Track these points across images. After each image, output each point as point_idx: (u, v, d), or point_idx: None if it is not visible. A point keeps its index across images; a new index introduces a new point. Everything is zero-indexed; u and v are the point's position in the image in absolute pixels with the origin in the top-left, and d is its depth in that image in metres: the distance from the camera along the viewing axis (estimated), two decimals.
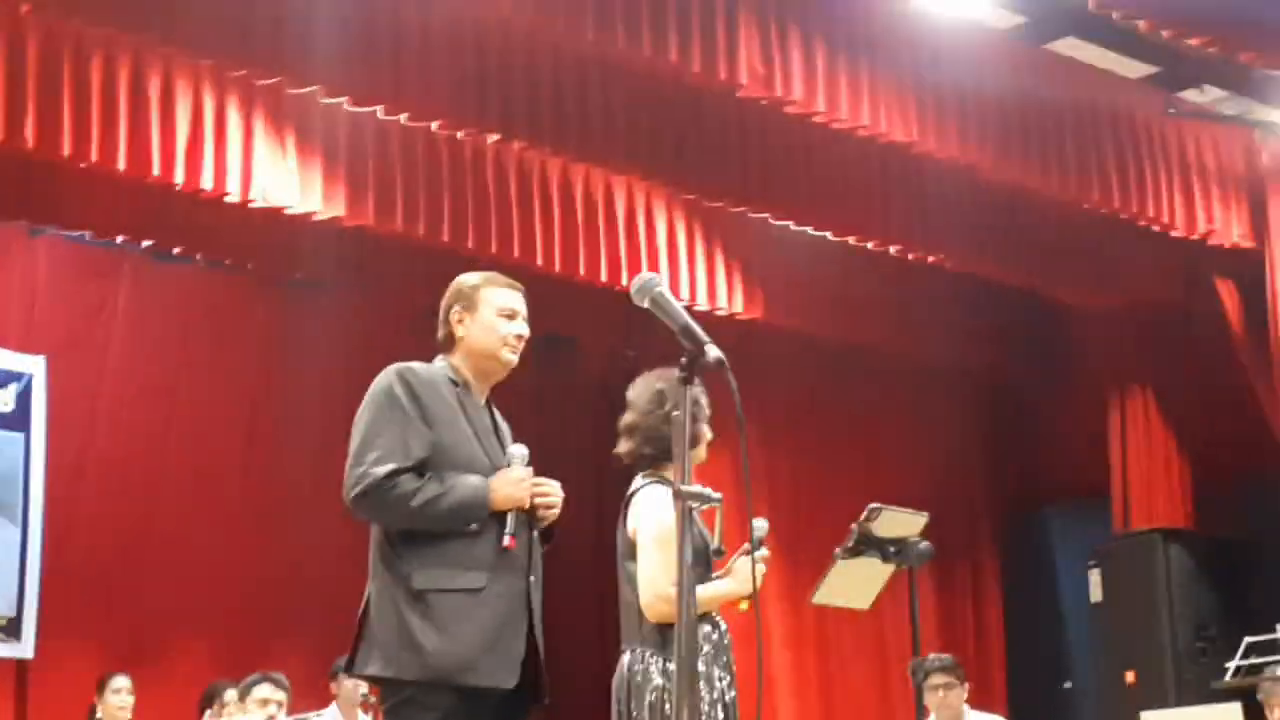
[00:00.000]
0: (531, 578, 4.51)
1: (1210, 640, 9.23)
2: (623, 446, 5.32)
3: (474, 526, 4.42)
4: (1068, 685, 10.63)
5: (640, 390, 5.31)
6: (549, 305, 6.88)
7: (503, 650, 4.40)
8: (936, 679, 8.35)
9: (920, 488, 9.62)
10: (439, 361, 4.66)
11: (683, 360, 3.53)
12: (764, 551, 5.14)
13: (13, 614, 8.98)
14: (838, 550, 5.20)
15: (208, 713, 8.65)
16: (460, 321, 4.65)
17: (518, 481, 4.50)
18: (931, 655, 8.51)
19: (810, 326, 9.93)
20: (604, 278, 8.66)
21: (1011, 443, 11.16)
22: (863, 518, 5.15)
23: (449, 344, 4.68)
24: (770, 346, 9.89)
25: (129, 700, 8.72)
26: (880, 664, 10.00)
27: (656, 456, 5.27)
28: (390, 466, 4.37)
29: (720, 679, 5.11)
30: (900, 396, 10.78)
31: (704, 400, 5.17)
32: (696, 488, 3.70)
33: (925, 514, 5.27)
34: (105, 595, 9.37)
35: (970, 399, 11.13)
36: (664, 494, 5.20)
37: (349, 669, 4.51)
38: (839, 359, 10.45)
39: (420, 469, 4.42)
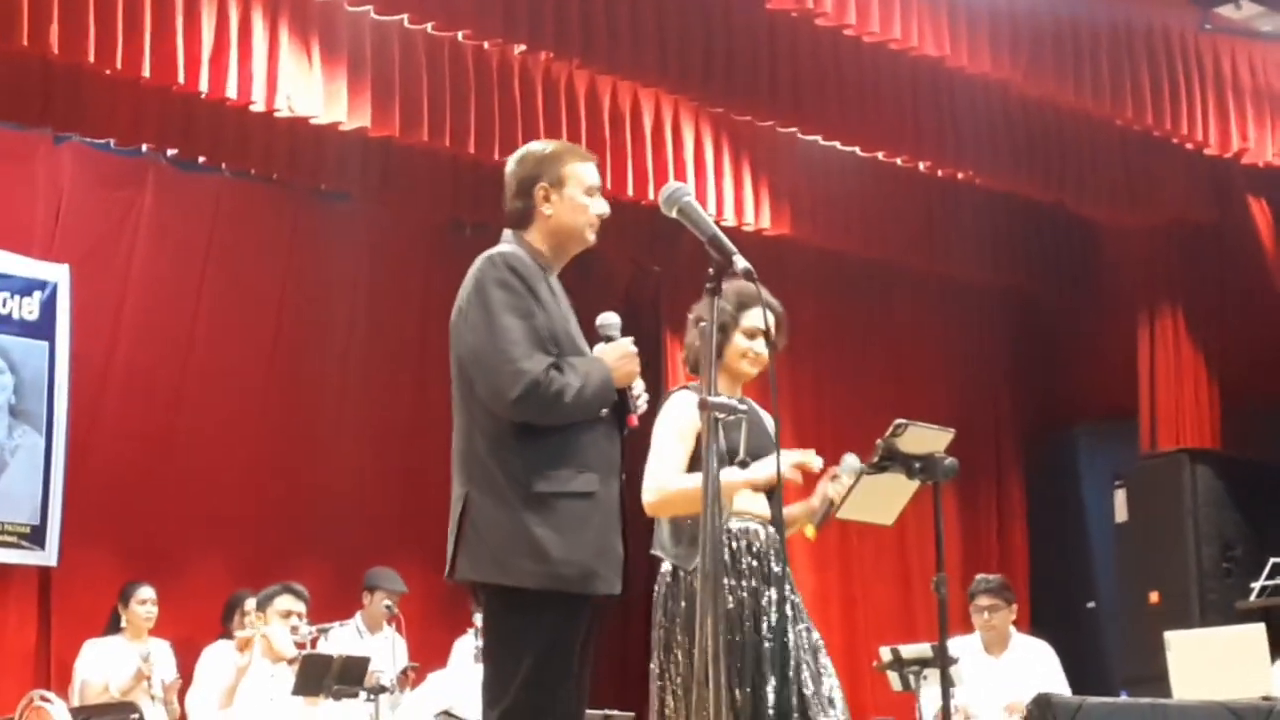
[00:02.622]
0: (623, 475, 4.38)
1: (1235, 561, 9.22)
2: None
3: (605, 411, 4.30)
4: (1091, 605, 10.63)
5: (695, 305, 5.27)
6: None
7: (612, 556, 4.29)
8: (982, 600, 8.35)
9: (947, 406, 9.59)
10: (511, 242, 4.45)
11: (710, 271, 3.47)
12: (849, 469, 5.11)
13: (37, 522, 9.02)
14: (862, 465, 5.15)
15: (230, 623, 8.70)
16: (546, 199, 4.42)
17: (631, 355, 4.37)
18: (979, 576, 8.52)
19: (838, 243, 9.88)
20: (630, 192, 8.58)
21: (1039, 362, 11.12)
22: (888, 433, 5.09)
23: (525, 220, 4.46)
24: (798, 263, 9.84)
25: (154, 611, 8.78)
26: (904, 583, 10.01)
27: (693, 365, 5.27)
28: (543, 363, 4.21)
29: (748, 583, 5.06)
30: (928, 314, 10.75)
31: (754, 319, 5.11)
32: (722, 398, 3.66)
33: (951, 430, 5.21)
34: (128, 504, 9.39)
35: (999, 317, 11.08)
36: (682, 396, 5.18)
37: (450, 574, 4.33)
38: (867, 276, 10.41)
39: (557, 362, 4.26)
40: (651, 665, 5.09)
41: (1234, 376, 9.87)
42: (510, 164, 4.52)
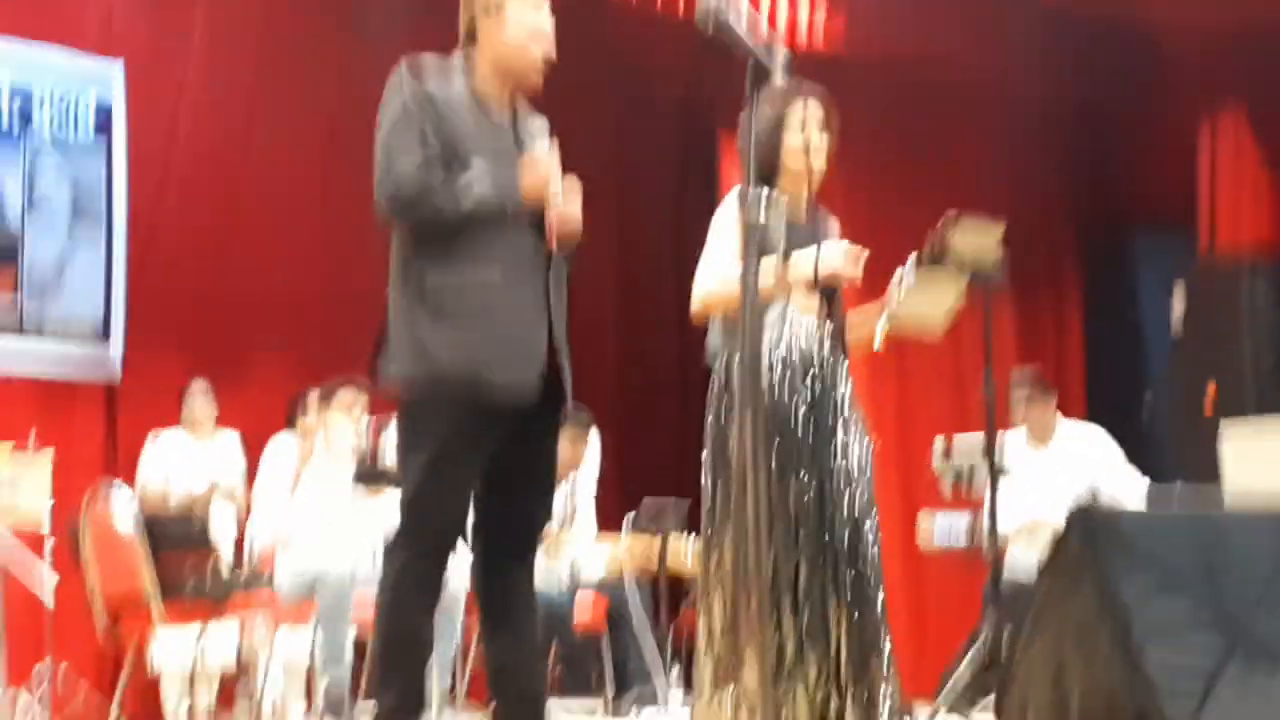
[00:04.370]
0: (551, 277, 4.39)
1: None
2: None
3: (508, 216, 4.30)
4: (1148, 396, 10.60)
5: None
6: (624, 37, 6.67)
7: (520, 347, 4.30)
8: (1019, 392, 8.39)
9: (1003, 212, 9.45)
10: (455, 53, 4.48)
11: (751, 63, 3.45)
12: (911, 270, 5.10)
13: (98, 323, 9.11)
14: (914, 259, 5.14)
15: (294, 418, 8.81)
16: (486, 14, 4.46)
17: (538, 163, 4.38)
18: (1016, 369, 8.54)
19: (891, 53, 9.73)
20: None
21: (1097, 166, 10.99)
22: (939, 227, 5.09)
23: (469, 38, 4.50)
24: (852, 77, 9.69)
25: (205, 405, 8.89)
26: (957, 381, 10.01)
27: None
28: (416, 165, 4.26)
29: (798, 386, 5.08)
30: (983, 122, 10.60)
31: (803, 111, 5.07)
32: (761, 190, 3.64)
33: (1002, 221, 5.21)
34: (192, 304, 9.46)
35: (1055, 123, 10.92)
36: (731, 194, 5.16)
37: (373, 378, 4.51)
38: (922, 90, 10.25)
39: (445, 165, 4.30)
40: (704, 455, 5.15)
41: None
42: None
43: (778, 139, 5.02)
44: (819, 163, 5.12)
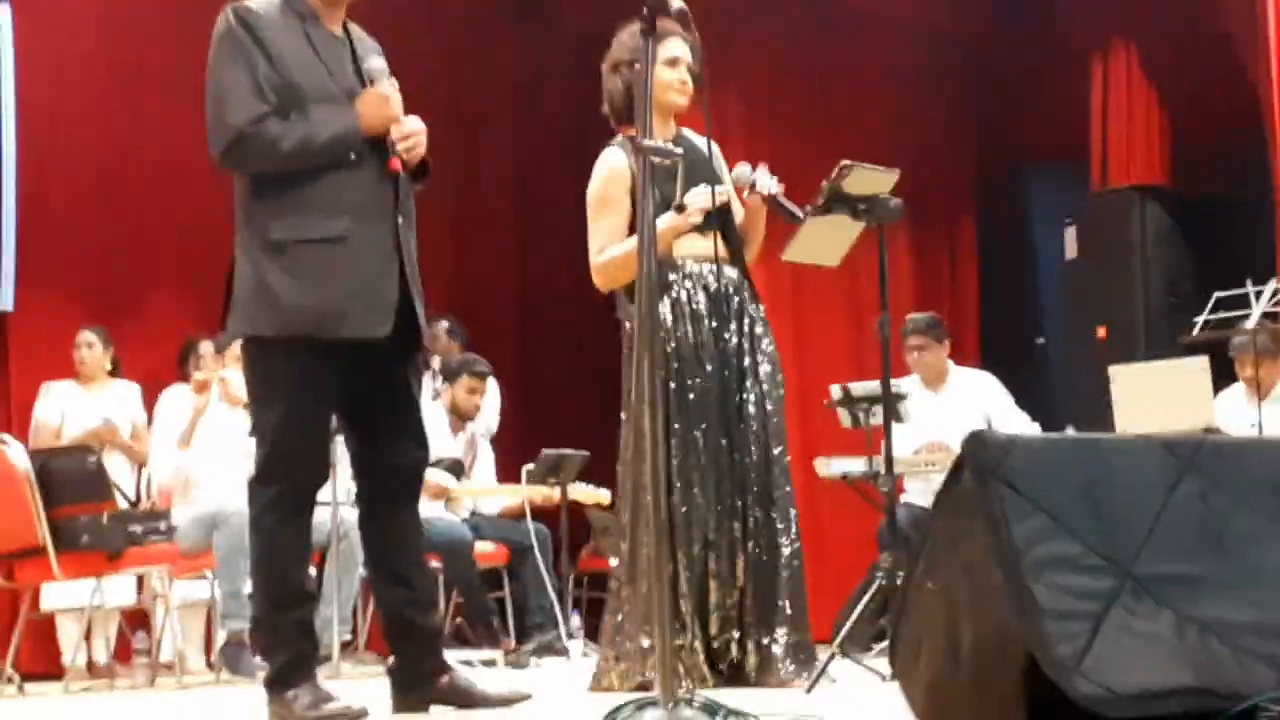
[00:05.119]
0: (400, 219, 4.35)
1: (1183, 296, 9.29)
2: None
3: (354, 157, 4.26)
4: (1040, 341, 10.76)
5: (610, 49, 5.27)
6: None
7: (371, 298, 4.26)
8: (913, 340, 8.47)
9: (899, 148, 9.55)
10: None
11: (644, 11, 3.44)
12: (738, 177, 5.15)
13: None
14: (808, 207, 5.18)
15: (187, 366, 8.76)
16: None
17: (384, 98, 4.32)
18: (908, 316, 8.60)
19: None
20: None
21: (992, 103, 11.07)
22: (833, 175, 5.11)
23: None
24: (750, 5, 9.73)
25: (89, 354, 8.80)
26: (857, 322, 10.07)
27: (619, 114, 5.24)
28: (251, 114, 4.19)
29: (707, 324, 5.12)
30: (881, 57, 10.64)
31: (672, 49, 5.11)
32: (656, 143, 3.64)
33: (896, 170, 5.23)
34: (83, 249, 9.39)
35: (951, 58, 10.99)
36: (609, 154, 5.19)
37: (221, 332, 4.48)
38: (817, 17, 10.27)
39: (282, 112, 4.23)
40: (622, 414, 5.19)
41: (1186, 113, 9.86)
42: None
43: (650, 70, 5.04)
44: (683, 101, 5.17)
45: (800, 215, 5.16)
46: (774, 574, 5.11)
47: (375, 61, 4.43)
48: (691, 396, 5.08)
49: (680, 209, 4.92)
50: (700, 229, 5.11)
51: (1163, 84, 9.87)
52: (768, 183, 5.17)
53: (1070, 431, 7.94)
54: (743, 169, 5.23)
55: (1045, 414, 8.86)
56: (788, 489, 5.17)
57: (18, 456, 7.27)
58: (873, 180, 5.18)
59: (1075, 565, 2.99)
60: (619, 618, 5.11)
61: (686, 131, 5.33)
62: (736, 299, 5.20)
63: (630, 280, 4.96)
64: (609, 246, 5.11)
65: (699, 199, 4.97)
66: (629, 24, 4.98)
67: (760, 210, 5.22)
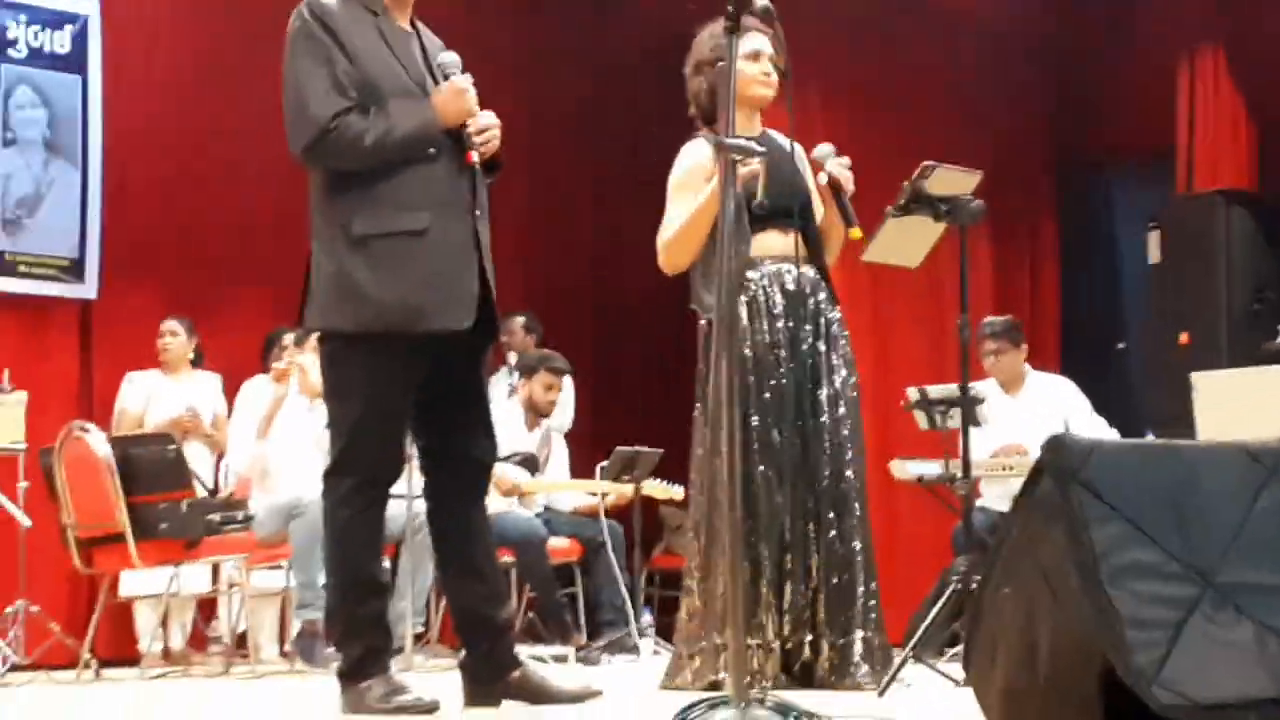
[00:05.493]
0: (477, 212, 4.36)
1: (1267, 303, 9.19)
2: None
3: (433, 151, 4.28)
4: (1121, 346, 10.66)
5: (692, 50, 5.25)
6: None
7: (453, 291, 4.27)
8: (989, 344, 8.42)
9: (981, 149, 9.49)
10: None
11: (729, 9, 3.43)
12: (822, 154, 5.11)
13: (75, 255, 9.10)
14: (889, 208, 5.16)
15: (269, 358, 8.81)
16: None
17: (461, 92, 4.33)
18: (985, 319, 8.55)
19: None
20: None
21: (1075, 102, 10.96)
22: (915, 175, 5.08)
23: None
24: (829, 4, 9.69)
25: (174, 342, 8.88)
26: (937, 324, 10.02)
27: (705, 114, 5.22)
28: (333, 109, 4.21)
29: (783, 324, 5.10)
30: (963, 55, 10.58)
31: (750, 43, 5.10)
32: (739, 140, 3.63)
33: (979, 172, 5.19)
34: (169, 240, 9.47)
35: (1035, 58, 10.90)
36: (694, 145, 5.17)
37: (301, 326, 4.49)
38: (902, 18, 10.22)
39: (362, 107, 4.24)
40: (695, 412, 5.19)
41: (1274, 117, 9.75)
42: None
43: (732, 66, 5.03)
44: (769, 94, 5.15)
45: (852, 219, 5.13)
46: (847, 575, 5.08)
47: (448, 55, 4.45)
48: (767, 396, 5.07)
49: (762, 206, 4.91)
50: (780, 227, 5.09)
51: (1250, 86, 9.76)
52: (838, 169, 5.14)
53: (1151, 438, 7.87)
54: (824, 147, 5.21)
55: (1126, 420, 8.79)
56: (861, 491, 5.15)
57: (99, 444, 7.35)
58: (954, 181, 5.15)
59: (1155, 572, 2.96)
60: (693, 615, 5.10)
61: (771, 132, 5.31)
62: (813, 299, 5.18)
63: (691, 257, 4.96)
64: (670, 226, 5.08)
65: (751, 166, 4.89)
66: (710, 23, 4.97)
67: (828, 198, 5.19)
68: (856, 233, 5.14)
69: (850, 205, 5.15)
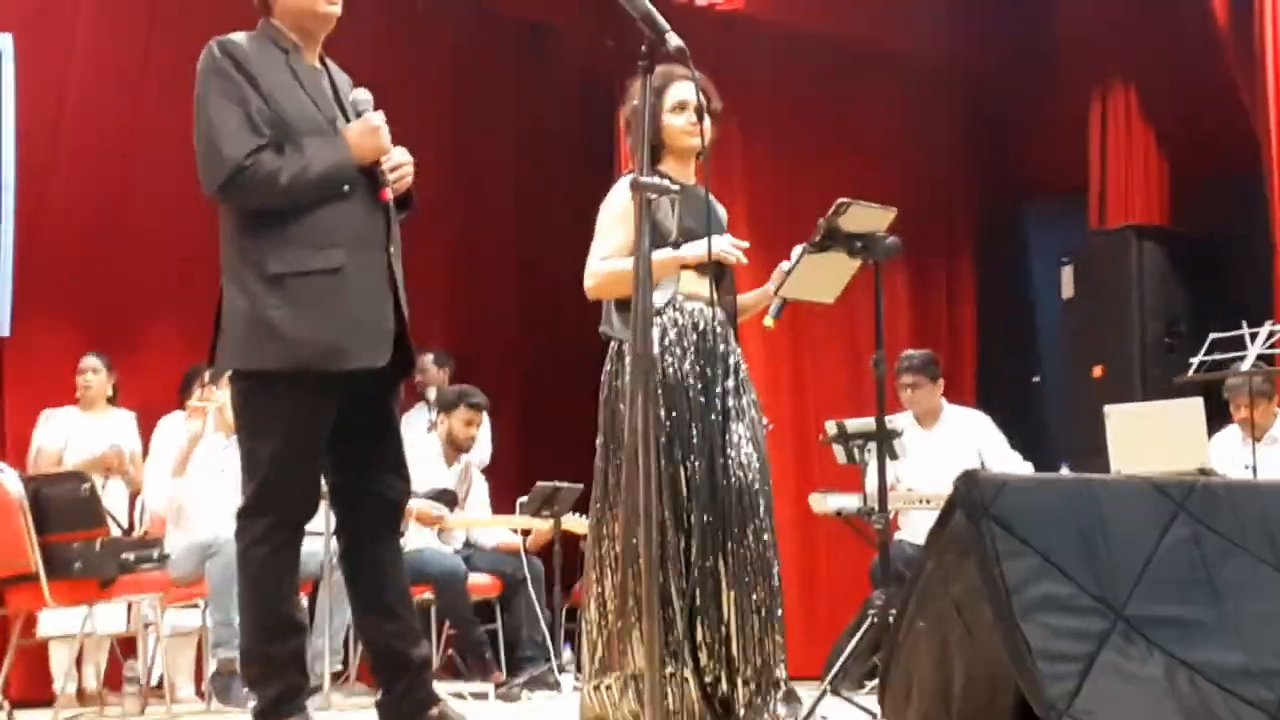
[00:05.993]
0: (391, 249, 4.37)
1: (1179, 337, 9.29)
2: None
3: (346, 188, 4.27)
4: (1036, 379, 10.76)
5: (623, 108, 5.27)
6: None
7: (370, 329, 4.28)
8: (906, 378, 8.49)
9: (900, 185, 9.56)
10: (260, 27, 4.43)
11: (643, 49, 3.45)
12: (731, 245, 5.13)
13: None
14: (804, 244, 5.18)
15: (187, 395, 8.74)
16: None
17: (374, 129, 4.34)
18: (903, 354, 8.61)
19: (793, 19, 9.75)
20: None
21: (992, 140, 11.07)
22: (830, 211, 5.11)
23: (265, 7, 4.45)
24: (752, 40, 9.75)
25: (94, 380, 8.80)
26: (853, 360, 10.07)
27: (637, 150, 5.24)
28: (247, 148, 4.20)
29: (694, 361, 5.11)
30: (882, 92, 10.64)
31: (679, 93, 5.12)
32: (653, 179, 3.65)
33: (893, 209, 5.23)
34: (83, 278, 9.36)
35: (952, 95, 10.99)
36: (623, 181, 5.18)
37: (211, 368, 4.46)
38: (820, 53, 10.28)
39: (275, 145, 4.24)
40: (598, 440, 5.17)
41: (1186, 153, 9.87)
42: None
43: (658, 119, 5.06)
44: (697, 143, 5.16)
45: (777, 317, 5.17)
46: (765, 610, 5.08)
47: (360, 92, 4.46)
48: (678, 430, 5.06)
49: (676, 245, 4.92)
50: (697, 269, 5.11)
51: (1162, 124, 9.89)
52: (726, 251, 5.15)
53: (1065, 471, 7.94)
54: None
55: (1041, 453, 8.86)
56: (771, 528, 5.15)
57: (11, 483, 7.25)
58: (869, 217, 5.19)
59: (1067, 606, 3.00)
60: (596, 648, 5.08)
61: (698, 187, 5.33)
62: (724, 342, 5.20)
63: (618, 294, 4.97)
64: (612, 258, 5.09)
65: (696, 250, 4.95)
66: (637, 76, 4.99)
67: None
68: (770, 322, 5.18)
69: (783, 305, 5.18)
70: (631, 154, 4.91)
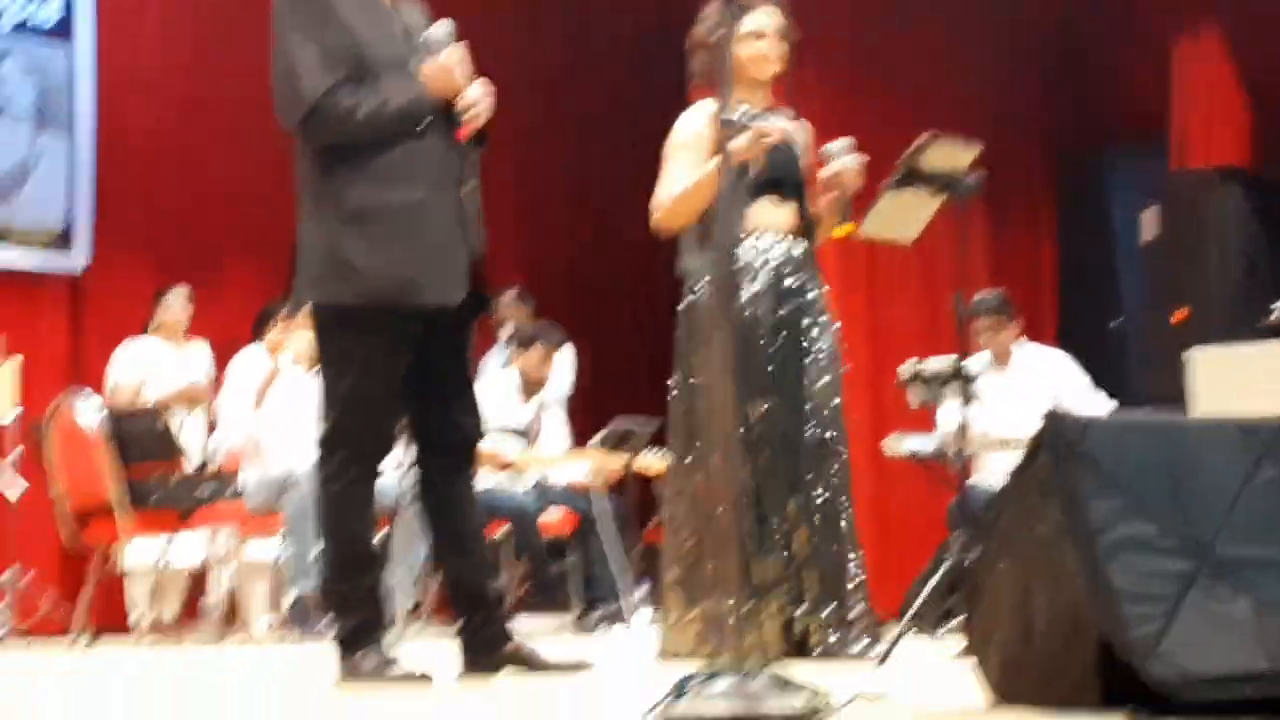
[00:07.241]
0: (466, 187, 4.36)
1: (1261, 279, 9.17)
2: None
3: (420, 127, 4.25)
4: (1118, 321, 10.65)
5: (691, 32, 5.23)
6: None
7: (446, 265, 4.27)
8: (981, 322, 8.40)
9: (978, 129, 9.43)
10: None
11: None
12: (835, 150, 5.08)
13: (62, 227, 9.06)
14: (885, 182, 5.14)
15: (263, 331, 8.78)
16: None
17: (448, 69, 4.30)
18: (977, 295, 8.54)
19: None
20: None
21: (1072, 83, 10.92)
22: (911, 148, 5.06)
23: None
24: None
25: (182, 312, 8.85)
26: (930, 299, 10.00)
27: (708, 86, 5.21)
28: (326, 84, 4.18)
29: (766, 299, 5.08)
30: (959, 38, 10.53)
31: (754, 21, 5.08)
32: (733, 117, 3.62)
33: (977, 145, 5.17)
34: (161, 209, 9.42)
35: (1030, 41, 10.84)
36: (694, 110, 5.15)
37: (292, 302, 4.47)
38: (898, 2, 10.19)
39: (352, 81, 4.22)
40: (671, 380, 5.17)
41: (1269, 95, 9.73)
42: None
43: (729, 47, 5.02)
44: (773, 70, 5.13)
45: (846, 215, 5.11)
46: (836, 546, 5.08)
47: (439, 27, 4.43)
48: (753, 368, 5.04)
49: (758, 177, 4.89)
50: (775, 200, 5.07)
51: (1245, 65, 9.75)
52: (845, 164, 5.10)
53: (1147, 411, 7.86)
54: (833, 146, 5.17)
55: (1121, 396, 8.77)
56: (845, 463, 5.14)
57: (90, 416, 7.33)
58: (952, 154, 5.13)
59: (1152, 547, 2.96)
60: (679, 584, 5.09)
61: (780, 110, 5.28)
62: (802, 274, 5.16)
63: (687, 221, 4.94)
64: (668, 188, 5.06)
65: (740, 142, 4.86)
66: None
67: (826, 190, 5.17)
68: (846, 229, 5.12)
69: (849, 203, 5.12)
70: (697, 80, 4.86)
